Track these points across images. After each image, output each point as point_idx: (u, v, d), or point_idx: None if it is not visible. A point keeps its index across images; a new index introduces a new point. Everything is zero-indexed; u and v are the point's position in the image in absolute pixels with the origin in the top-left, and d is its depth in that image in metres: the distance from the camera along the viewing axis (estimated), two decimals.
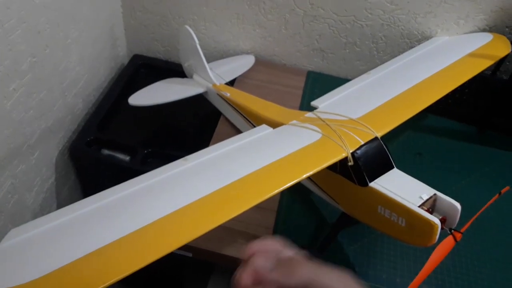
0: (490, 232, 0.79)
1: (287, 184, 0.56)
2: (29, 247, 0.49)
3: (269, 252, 0.41)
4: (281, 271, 0.38)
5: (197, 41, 0.94)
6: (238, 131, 0.92)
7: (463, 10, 0.98)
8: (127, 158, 0.96)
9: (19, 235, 0.50)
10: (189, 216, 0.52)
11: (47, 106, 0.90)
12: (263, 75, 1.12)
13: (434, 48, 0.97)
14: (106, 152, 0.97)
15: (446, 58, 0.89)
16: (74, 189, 1.10)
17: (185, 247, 0.72)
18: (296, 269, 0.38)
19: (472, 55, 0.90)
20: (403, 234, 0.59)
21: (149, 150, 0.96)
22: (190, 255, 0.73)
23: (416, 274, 0.53)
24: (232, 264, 0.72)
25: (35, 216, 0.93)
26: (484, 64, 0.86)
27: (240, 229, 0.76)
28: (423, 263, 0.54)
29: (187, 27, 0.95)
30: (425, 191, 0.59)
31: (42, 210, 0.95)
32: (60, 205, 0.50)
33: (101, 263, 0.46)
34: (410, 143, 0.95)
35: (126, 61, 1.23)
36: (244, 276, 0.38)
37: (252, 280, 0.38)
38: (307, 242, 0.75)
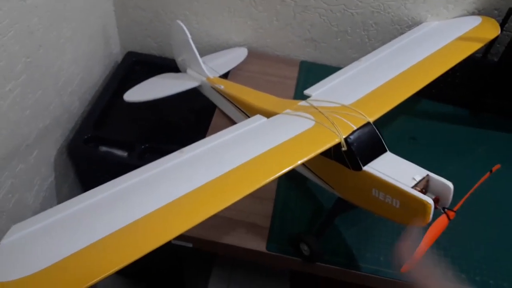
0: (483, 210, 0.80)
1: (282, 171, 0.57)
2: (31, 242, 0.50)
3: None
4: None
5: (189, 36, 0.95)
6: (233, 123, 0.93)
7: None
8: (125, 154, 0.97)
9: (21, 231, 0.52)
10: (187, 205, 0.53)
11: (43, 105, 0.91)
12: (256, 67, 1.13)
13: (424, 33, 0.98)
14: (103, 149, 0.98)
15: (437, 42, 0.89)
16: (74, 187, 1.11)
17: (185, 238, 0.73)
18: None
19: (462, 38, 0.91)
20: (398, 215, 0.61)
21: (146, 145, 0.97)
22: (191, 245, 0.74)
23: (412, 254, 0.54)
24: (233, 253, 0.74)
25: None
26: (474, 47, 0.87)
27: (240, 218, 0.77)
28: (419, 244, 0.55)
29: (179, 22, 0.96)
30: (418, 172, 0.60)
31: (43, 209, 0.95)
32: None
33: (102, 253, 0.48)
34: (404, 128, 0.96)
35: (120, 58, 1.24)
36: None
37: None
38: (305, 228, 0.76)
